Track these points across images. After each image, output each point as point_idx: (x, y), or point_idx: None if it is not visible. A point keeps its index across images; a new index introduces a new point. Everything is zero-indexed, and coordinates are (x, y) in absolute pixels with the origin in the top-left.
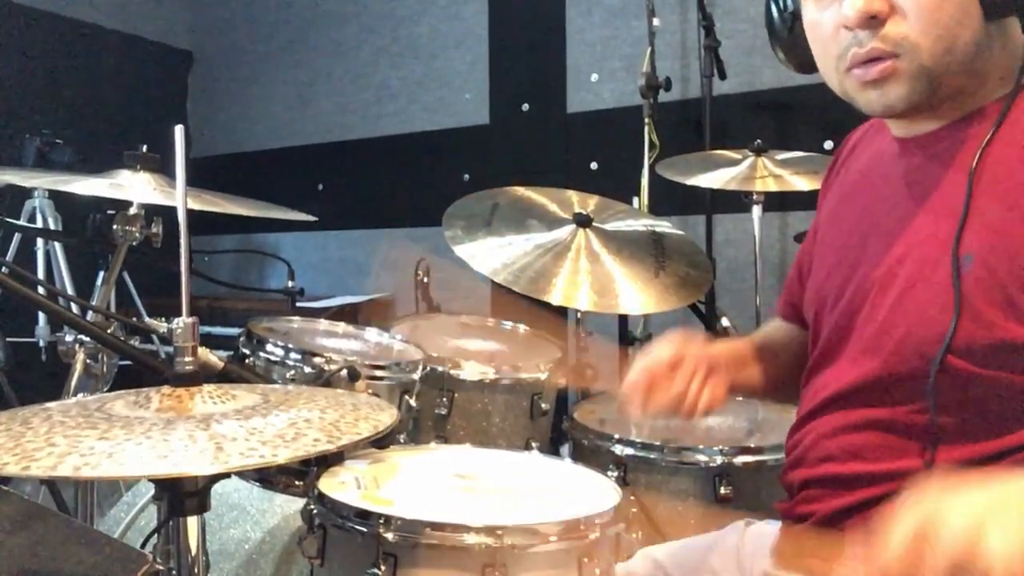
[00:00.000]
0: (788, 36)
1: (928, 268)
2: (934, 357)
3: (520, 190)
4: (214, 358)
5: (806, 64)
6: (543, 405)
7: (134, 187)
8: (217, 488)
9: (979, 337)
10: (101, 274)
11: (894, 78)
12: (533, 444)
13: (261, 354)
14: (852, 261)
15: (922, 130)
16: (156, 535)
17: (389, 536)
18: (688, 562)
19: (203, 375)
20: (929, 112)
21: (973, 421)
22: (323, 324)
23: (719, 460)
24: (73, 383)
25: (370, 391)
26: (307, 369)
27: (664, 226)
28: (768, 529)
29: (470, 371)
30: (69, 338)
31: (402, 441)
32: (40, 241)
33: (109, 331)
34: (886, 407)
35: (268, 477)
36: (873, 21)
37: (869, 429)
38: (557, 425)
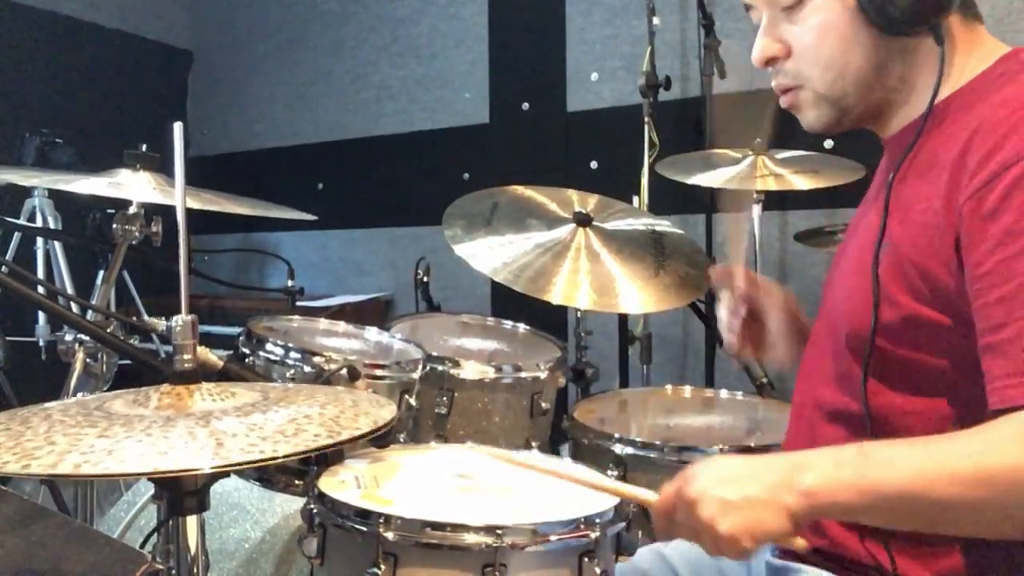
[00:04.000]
0: None
1: (864, 261)
2: (862, 338)
3: (520, 189)
4: (214, 357)
5: None
6: (543, 404)
7: (134, 186)
8: (217, 487)
9: (890, 315)
10: (101, 273)
11: (801, 106)
12: (533, 443)
13: (261, 353)
14: (836, 259)
15: (891, 131)
16: (156, 534)
17: (389, 535)
18: (692, 555)
19: (203, 374)
20: (880, 119)
21: (901, 401)
22: (323, 323)
23: None
24: (73, 382)
25: (370, 390)
26: (307, 368)
27: (664, 225)
28: None
29: (470, 370)
30: (69, 337)
31: (402, 441)
32: (40, 240)
33: (109, 330)
34: (849, 397)
35: (268, 476)
36: (773, 61)
37: (839, 422)
38: (557, 424)
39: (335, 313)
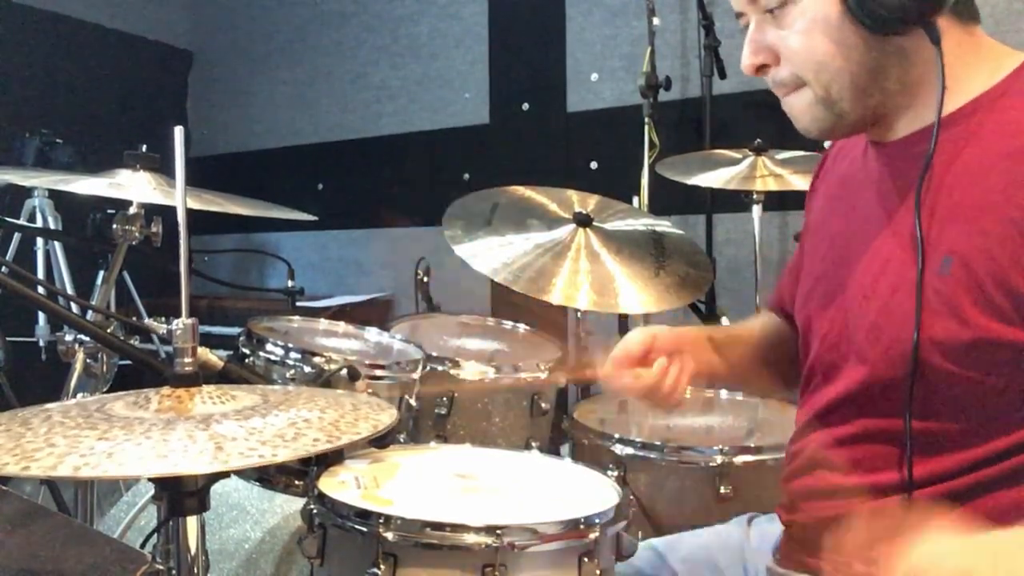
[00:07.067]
0: None
1: (909, 273)
2: (919, 358)
3: (520, 190)
4: (214, 358)
5: None
6: (543, 405)
7: (134, 187)
8: (217, 488)
9: (961, 336)
10: (101, 274)
11: (800, 108)
12: (533, 444)
13: (261, 354)
14: (837, 270)
15: (893, 136)
16: (156, 535)
17: (389, 536)
18: (691, 554)
19: (203, 375)
20: (881, 124)
21: (958, 425)
22: (323, 324)
23: (719, 460)
24: (73, 383)
25: (370, 391)
26: (307, 369)
27: (664, 225)
28: (771, 525)
29: (470, 371)
30: (69, 338)
31: (402, 441)
32: (40, 241)
33: (109, 331)
34: (882, 417)
35: (268, 477)
36: (764, 69)
37: (868, 440)
38: (557, 425)
39: (335, 313)
